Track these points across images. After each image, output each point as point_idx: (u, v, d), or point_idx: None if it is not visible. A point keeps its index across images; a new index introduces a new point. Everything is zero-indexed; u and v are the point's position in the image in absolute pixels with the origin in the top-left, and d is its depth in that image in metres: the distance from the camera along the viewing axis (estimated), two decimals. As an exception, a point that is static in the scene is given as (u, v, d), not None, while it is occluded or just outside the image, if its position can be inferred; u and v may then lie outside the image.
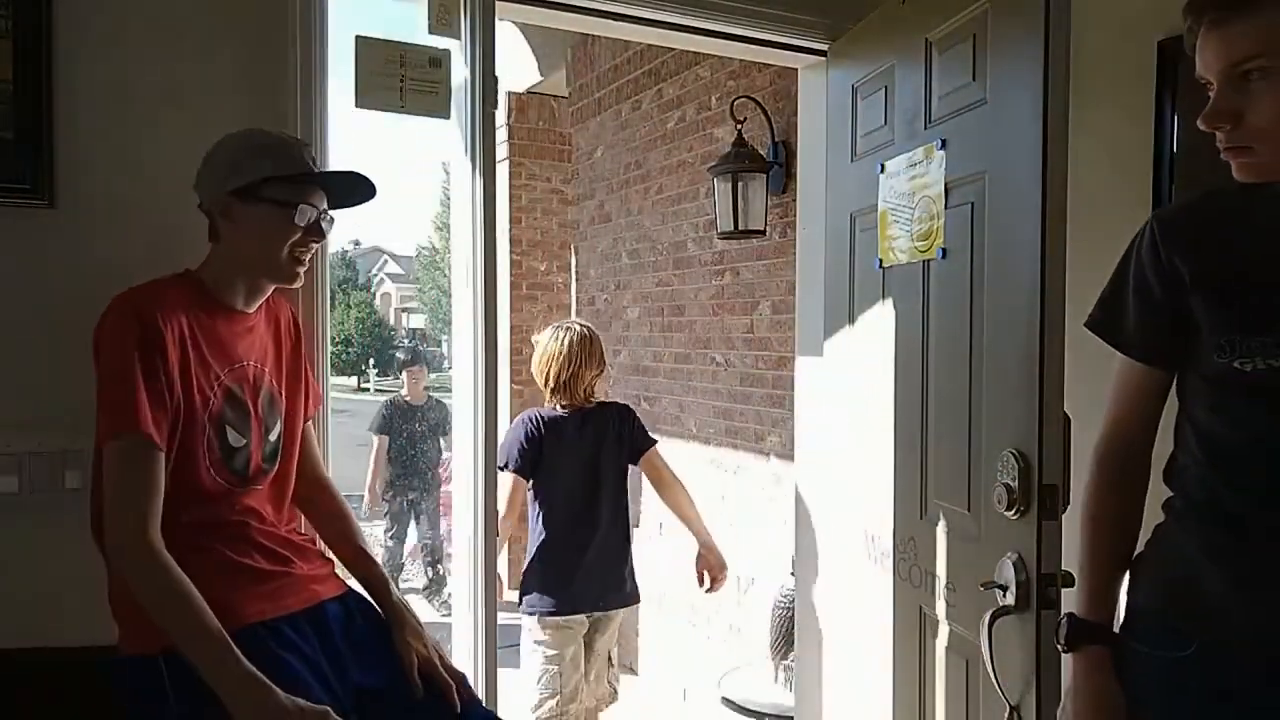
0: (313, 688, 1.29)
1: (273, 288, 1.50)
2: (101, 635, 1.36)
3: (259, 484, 1.45)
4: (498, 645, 1.99)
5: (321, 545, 1.62)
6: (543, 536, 2.55)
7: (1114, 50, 2.09)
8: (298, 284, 1.48)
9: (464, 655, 1.97)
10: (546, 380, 2.59)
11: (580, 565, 2.52)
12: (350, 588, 1.54)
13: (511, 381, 5.68)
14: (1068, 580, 1.59)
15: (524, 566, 2.58)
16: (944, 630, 1.86)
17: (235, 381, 1.42)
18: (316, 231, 1.45)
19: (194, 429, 1.35)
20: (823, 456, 2.39)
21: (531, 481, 2.56)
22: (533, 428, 2.56)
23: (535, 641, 2.52)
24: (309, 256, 1.47)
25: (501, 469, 2.42)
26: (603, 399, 2.68)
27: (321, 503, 1.62)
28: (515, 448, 2.53)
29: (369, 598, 1.56)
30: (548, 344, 2.59)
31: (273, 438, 1.49)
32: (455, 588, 2.04)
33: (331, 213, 1.49)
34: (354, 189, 1.53)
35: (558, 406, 2.59)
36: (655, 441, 2.70)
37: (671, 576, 3.91)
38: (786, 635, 2.81)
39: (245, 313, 1.46)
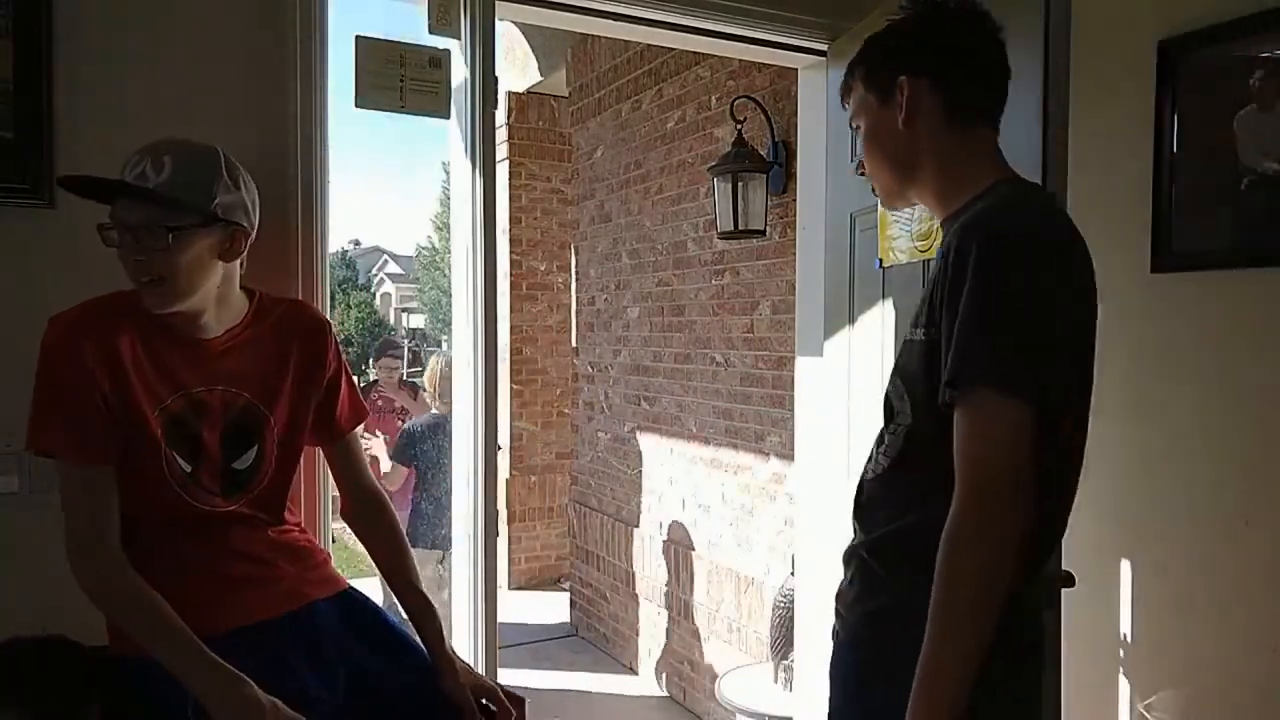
0: (283, 691, 1.27)
1: (235, 307, 1.42)
2: (102, 635, 1.36)
3: (232, 505, 1.40)
4: (498, 646, 1.99)
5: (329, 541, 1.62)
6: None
7: (1114, 50, 2.09)
8: (157, 297, 1.32)
9: (462, 655, 1.97)
10: (436, 390, 3.97)
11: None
12: (349, 586, 1.52)
13: (511, 381, 5.69)
14: (1068, 580, 1.60)
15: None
16: (944, 630, 1.85)
17: (183, 408, 1.36)
18: (111, 243, 1.32)
19: (149, 451, 1.32)
20: (823, 456, 2.39)
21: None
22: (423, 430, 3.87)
23: None
24: (138, 267, 1.31)
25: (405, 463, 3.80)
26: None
27: (370, 522, 1.58)
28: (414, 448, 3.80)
29: (369, 595, 1.55)
30: (434, 364, 4.03)
31: (239, 465, 1.41)
32: (455, 588, 2.04)
33: (120, 217, 1.32)
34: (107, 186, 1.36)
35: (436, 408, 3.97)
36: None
37: (671, 576, 3.91)
38: (786, 635, 2.81)
39: (200, 339, 1.38)
